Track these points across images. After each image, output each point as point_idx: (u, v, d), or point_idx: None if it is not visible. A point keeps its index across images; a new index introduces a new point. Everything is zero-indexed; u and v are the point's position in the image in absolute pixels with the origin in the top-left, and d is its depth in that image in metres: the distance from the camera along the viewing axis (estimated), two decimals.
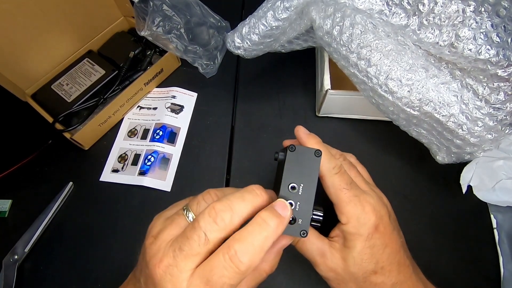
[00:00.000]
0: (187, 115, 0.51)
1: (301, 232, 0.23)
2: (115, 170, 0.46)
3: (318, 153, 0.24)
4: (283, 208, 0.22)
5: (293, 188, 0.23)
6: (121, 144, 0.49)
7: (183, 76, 0.55)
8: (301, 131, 0.29)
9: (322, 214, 0.28)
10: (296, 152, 0.24)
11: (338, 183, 0.27)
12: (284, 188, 0.24)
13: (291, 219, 0.23)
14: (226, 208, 0.21)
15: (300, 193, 0.23)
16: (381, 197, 0.30)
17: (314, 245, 0.28)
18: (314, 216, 0.26)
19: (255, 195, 0.23)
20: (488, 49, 0.30)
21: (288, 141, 0.31)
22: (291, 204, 0.23)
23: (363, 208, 0.27)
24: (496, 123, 0.33)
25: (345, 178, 0.27)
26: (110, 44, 0.53)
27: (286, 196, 0.23)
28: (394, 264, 0.27)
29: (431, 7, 0.31)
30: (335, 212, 0.28)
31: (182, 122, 0.50)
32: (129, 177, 0.46)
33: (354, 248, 0.27)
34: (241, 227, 0.22)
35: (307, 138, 0.28)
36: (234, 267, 0.20)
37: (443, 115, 0.34)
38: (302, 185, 0.23)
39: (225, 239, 0.22)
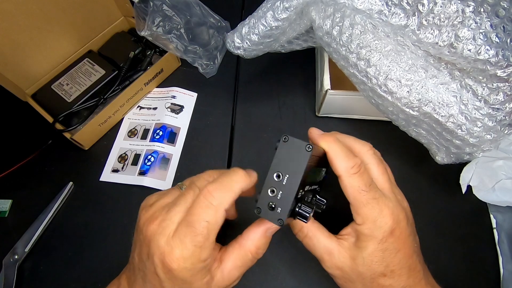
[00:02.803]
0: (187, 115, 0.51)
1: (278, 220, 0.24)
2: (115, 170, 0.46)
3: (309, 148, 0.23)
4: (251, 173, 0.26)
5: (278, 176, 0.24)
6: (121, 144, 0.49)
7: (183, 76, 0.55)
8: (314, 133, 0.28)
9: (320, 211, 0.28)
10: (289, 143, 0.24)
11: (357, 184, 0.26)
12: (270, 174, 0.24)
13: (272, 205, 0.24)
14: (215, 172, 0.27)
15: (284, 183, 0.24)
16: (401, 200, 0.29)
17: (321, 243, 0.28)
18: (301, 210, 0.26)
19: (238, 172, 0.26)
20: (487, 49, 0.30)
21: (314, 133, 0.30)
22: (272, 190, 0.24)
23: (380, 211, 0.26)
24: (495, 123, 0.33)
25: (364, 178, 0.26)
26: (110, 44, 0.53)
27: (271, 182, 0.24)
28: (404, 269, 0.27)
29: (430, 7, 0.31)
30: (349, 209, 0.27)
31: (182, 122, 0.50)
32: (129, 177, 0.46)
33: (365, 249, 0.26)
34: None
35: (319, 138, 0.27)
36: (208, 203, 0.23)
37: (442, 116, 0.34)
38: (287, 175, 0.24)
39: None
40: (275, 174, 0.24)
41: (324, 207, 0.29)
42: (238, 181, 0.24)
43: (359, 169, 0.26)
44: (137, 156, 0.47)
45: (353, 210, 0.27)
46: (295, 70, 0.54)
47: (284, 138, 0.24)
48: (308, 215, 0.25)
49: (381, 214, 0.26)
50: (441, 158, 0.40)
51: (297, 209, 0.25)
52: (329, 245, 0.28)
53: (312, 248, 0.29)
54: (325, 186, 0.33)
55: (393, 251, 0.26)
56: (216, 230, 0.24)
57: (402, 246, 0.27)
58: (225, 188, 0.24)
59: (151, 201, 0.27)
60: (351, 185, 0.26)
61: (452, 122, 0.34)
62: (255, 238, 0.27)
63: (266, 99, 0.52)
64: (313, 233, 0.29)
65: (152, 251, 0.24)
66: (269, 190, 0.24)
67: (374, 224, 0.26)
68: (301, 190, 0.25)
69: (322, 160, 0.28)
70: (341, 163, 0.26)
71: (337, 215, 0.29)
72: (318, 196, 0.30)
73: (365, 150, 0.29)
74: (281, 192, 0.24)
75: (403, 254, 0.27)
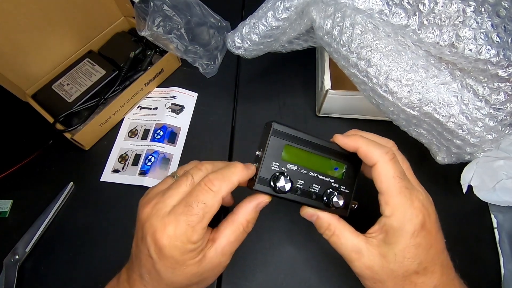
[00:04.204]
0: (187, 115, 0.51)
1: (254, 185, 0.27)
2: (115, 170, 0.46)
3: (269, 123, 0.27)
4: (249, 166, 0.28)
5: (257, 154, 0.28)
6: (122, 144, 0.49)
7: (184, 76, 0.55)
8: (339, 138, 0.28)
9: (324, 206, 0.29)
10: (266, 127, 0.28)
11: (392, 172, 0.25)
12: (256, 153, 0.29)
13: (253, 177, 0.28)
14: (208, 163, 0.29)
15: (259, 157, 0.28)
16: (428, 195, 0.28)
17: (348, 241, 0.27)
18: (277, 183, 0.27)
19: (238, 165, 0.28)
20: (488, 49, 0.30)
21: (339, 137, 0.29)
22: (257, 168, 0.28)
23: (412, 203, 0.25)
24: (496, 123, 0.33)
25: (399, 167, 0.26)
26: (111, 44, 0.53)
27: (256, 159, 0.28)
28: (437, 265, 0.26)
29: (431, 7, 0.31)
30: (375, 211, 0.27)
31: (182, 122, 0.50)
32: (130, 177, 0.46)
33: (396, 244, 0.25)
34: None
35: (347, 140, 0.28)
36: (208, 188, 0.25)
37: (443, 116, 0.34)
38: (261, 150, 0.28)
39: None
40: (256, 152, 0.29)
41: (334, 200, 0.28)
42: (237, 173, 0.26)
43: (393, 155, 0.26)
44: (137, 156, 0.47)
45: (382, 201, 0.26)
46: (295, 70, 0.54)
47: (266, 124, 0.28)
48: (279, 186, 0.27)
49: (412, 205, 0.25)
50: (441, 158, 0.40)
51: (272, 183, 0.27)
52: (357, 243, 0.27)
53: (340, 247, 0.28)
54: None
55: (426, 247, 0.25)
56: (210, 215, 0.25)
57: (434, 241, 0.26)
58: (225, 178, 0.26)
59: (147, 192, 0.30)
60: (386, 171, 0.26)
61: (453, 122, 0.34)
62: (247, 212, 0.28)
63: (266, 99, 0.52)
64: (340, 231, 0.28)
65: (146, 231, 0.25)
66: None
67: (404, 216, 0.25)
68: (275, 163, 0.27)
69: (337, 154, 0.29)
70: (375, 151, 0.26)
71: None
72: (330, 190, 0.29)
73: (388, 148, 0.28)
74: (256, 164, 0.28)
75: (435, 250, 0.26)
